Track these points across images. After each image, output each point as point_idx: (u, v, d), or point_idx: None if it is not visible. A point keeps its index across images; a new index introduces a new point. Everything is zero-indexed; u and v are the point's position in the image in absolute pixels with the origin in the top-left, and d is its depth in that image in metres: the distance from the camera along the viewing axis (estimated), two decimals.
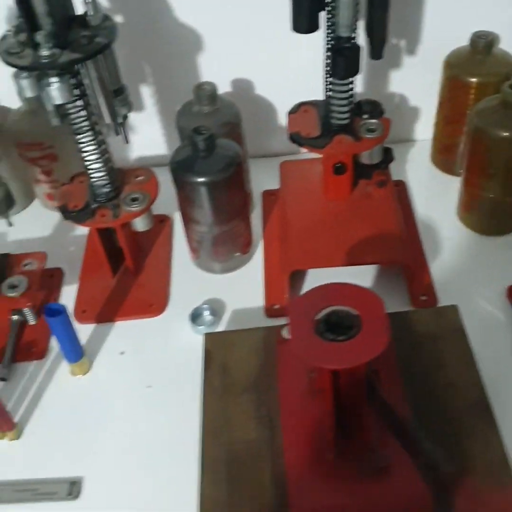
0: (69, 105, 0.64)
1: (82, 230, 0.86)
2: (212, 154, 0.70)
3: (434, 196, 0.86)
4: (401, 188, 0.87)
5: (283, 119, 0.92)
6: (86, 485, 0.60)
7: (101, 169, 0.71)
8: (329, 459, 0.52)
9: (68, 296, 0.78)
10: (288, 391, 0.57)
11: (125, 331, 0.74)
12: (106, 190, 0.73)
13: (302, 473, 0.52)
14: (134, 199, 0.73)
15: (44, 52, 0.57)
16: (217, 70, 0.84)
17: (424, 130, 0.91)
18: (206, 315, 0.73)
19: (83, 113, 0.65)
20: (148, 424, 0.64)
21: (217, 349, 0.65)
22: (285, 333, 0.63)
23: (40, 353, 0.72)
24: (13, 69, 0.59)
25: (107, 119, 0.66)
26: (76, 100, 0.63)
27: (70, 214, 0.73)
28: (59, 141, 0.83)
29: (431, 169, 0.91)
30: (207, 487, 0.55)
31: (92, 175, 0.71)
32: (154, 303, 0.76)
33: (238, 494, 0.53)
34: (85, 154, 0.69)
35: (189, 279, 0.79)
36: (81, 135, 0.67)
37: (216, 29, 0.81)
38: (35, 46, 0.58)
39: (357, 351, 0.48)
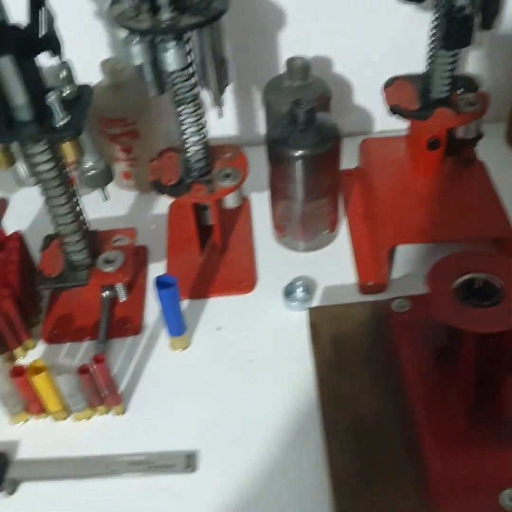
0: (177, 74, 0.63)
1: (161, 209, 0.86)
2: (310, 128, 0.69)
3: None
4: (481, 167, 0.86)
5: (355, 97, 0.91)
6: (202, 458, 0.59)
7: (199, 143, 0.70)
8: (465, 428, 0.51)
9: (155, 273, 0.77)
10: (412, 361, 0.56)
11: (218, 308, 0.73)
12: (200, 165, 0.72)
13: (439, 442, 0.51)
14: (227, 175, 0.72)
15: (165, 15, 0.56)
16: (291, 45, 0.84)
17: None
18: (299, 291, 0.72)
19: (190, 82, 0.64)
20: (256, 397, 0.63)
21: (324, 323, 0.64)
22: (397, 306, 0.62)
23: (135, 328, 0.71)
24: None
25: (214, 89, 0.65)
26: (187, 67, 0.62)
27: (165, 188, 0.72)
28: (141, 117, 0.82)
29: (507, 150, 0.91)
30: (336, 457, 0.54)
31: (188, 149, 0.70)
32: (244, 280, 0.75)
33: (371, 463, 0.53)
34: (185, 126, 0.68)
35: (274, 257, 0.78)
36: (184, 106, 0.66)
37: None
38: (154, 10, 0.57)
39: (505, 316, 0.47)
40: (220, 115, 0.71)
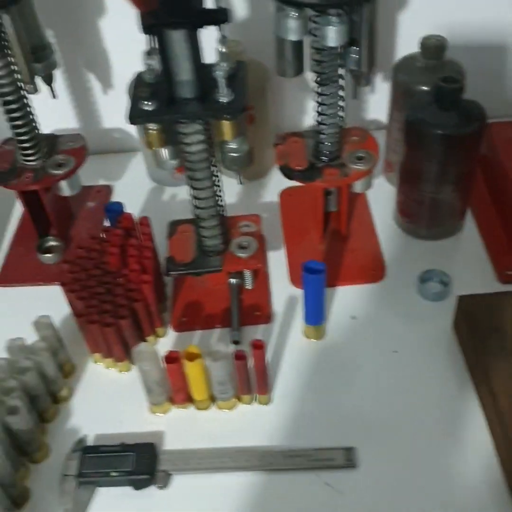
0: (327, 52, 0.61)
1: (271, 197, 0.84)
2: (455, 108, 0.67)
3: None
4: None
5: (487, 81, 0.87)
6: (361, 453, 0.57)
7: (334, 125, 0.67)
8: None
9: (274, 261, 0.75)
10: None
11: (349, 296, 0.71)
12: (333, 148, 0.69)
13: None
14: (360, 158, 0.70)
15: None
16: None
17: None
18: (435, 281, 0.70)
19: (337, 61, 0.62)
20: (407, 388, 0.61)
21: (481, 312, 0.62)
22: None
23: (266, 316, 0.69)
24: None
25: (365, 68, 0.63)
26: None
27: (295, 173, 0.69)
28: (258, 101, 0.79)
29: None
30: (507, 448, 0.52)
31: (323, 132, 0.68)
32: (374, 268, 0.73)
33: None
34: (324, 107, 0.66)
35: (399, 244, 0.76)
36: (326, 87, 0.64)
37: None
38: None
39: None
40: (355, 96, 0.68)
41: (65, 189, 0.76)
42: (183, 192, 0.85)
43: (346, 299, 0.70)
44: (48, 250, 0.78)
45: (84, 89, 0.89)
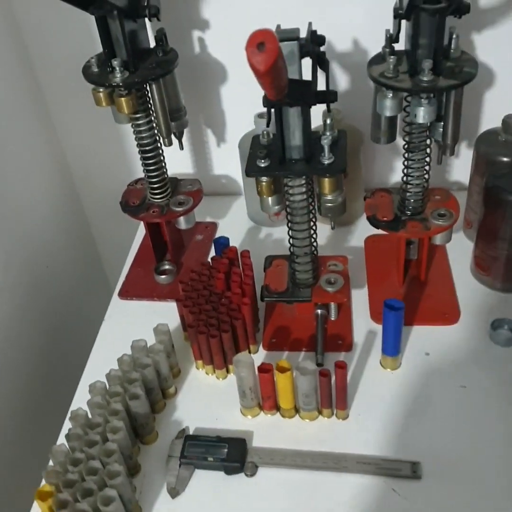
0: (416, 125, 0.72)
1: (357, 242, 0.95)
2: None
3: None
4: None
5: None
6: (425, 468, 0.65)
7: (419, 185, 0.78)
8: None
9: (357, 298, 0.86)
10: None
11: (424, 335, 0.80)
12: (417, 205, 0.80)
13: None
14: (441, 215, 0.80)
15: (425, 77, 0.66)
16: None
17: None
18: (506, 328, 0.78)
19: (425, 133, 0.73)
20: (473, 420, 0.69)
21: None
22: None
23: (348, 345, 0.79)
24: None
25: (450, 140, 0.74)
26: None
27: (382, 223, 0.80)
28: (351, 161, 0.91)
29: None
30: None
31: (408, 190, 0.79)
32: (448, 313, 0.82)
33: None
34: (411, 170, 0.77)
35: (473, 293, 0.85)
36: (414, 153, 0.75)
37: None
38: (411, 72, 0.67)
39: None
40: (440, 162, 0.79)
41: (182, 223, 0.90)
42: (277, 232, 0.99)
43: (421, 338, 0.79)
44: (164, 272, 0.93)
45: (202, 142, 1.05)
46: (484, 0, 0.83)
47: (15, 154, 0.96)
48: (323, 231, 0.98)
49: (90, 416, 0.67)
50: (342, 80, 0.93)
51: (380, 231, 0.81)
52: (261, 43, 0.42)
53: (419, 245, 0.84)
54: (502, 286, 0.84)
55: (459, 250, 0.89)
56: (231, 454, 0.67)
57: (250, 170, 0.69)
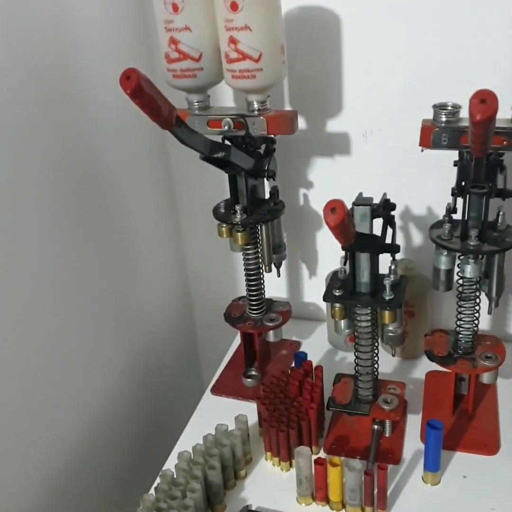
0: (466, 279, 0.89)
1: (420, 374, 1.09)
2: None
3: None
4: None
5: None
6: None
7: (470, 329, 0.93)
8: None
9: (412, 422, 0.98)
10: None
11: (464, 460, 0.90)
12: (468, 345, 0.94)
13: None
14: (488, 357, 0.93)
15: (472, 242, 0.84)
16: None
17: None
18: None
19: (474, 286, 0.90)
20: None
21: None
22: None
23: (396, 459, 0.91)
24: None
25: (494, 293, 0.90)
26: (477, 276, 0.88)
27: (436, 358, 0.95)
28: (418, 302, 1.09)
29: None
30: None
31: (461, 333, 0.94)
32: (489, 444, 0.92)
33: None
34: (461, 315, 0.93)
35: None
36: (465, 302, 0.91)
37: None
38: (462, 237, 0.86)
39: None
40: (490, 312, 0.94)
41: (271, 337, 1.10)
42: (351, 356, 1.14)
43: (462, 462, 0.90)
44: (250, 376, 1.11)
45: (297, 274, 1.27)
46: None
47: (150, 264, 1.23)
48: (391, 361, 1.14)
49: (175, 476, 0.84)
50: (416, 237, 1.13)
51: (441, 368, 0.96)
52: (333, 208, 0.64)
53: (469, 382, 0.97)
54: None
55: (509, 393, 1.01)
56: None
57: (327, 296, 0.88)
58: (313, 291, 1.27)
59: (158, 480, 0.85)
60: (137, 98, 0.63)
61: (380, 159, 1.06)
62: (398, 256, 1.04)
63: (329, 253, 1.18)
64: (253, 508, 0.86)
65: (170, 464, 0.88)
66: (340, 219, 0.64)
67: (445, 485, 0.87)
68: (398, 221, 1.11)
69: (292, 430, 0.89)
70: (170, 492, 0.81)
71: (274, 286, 1.19)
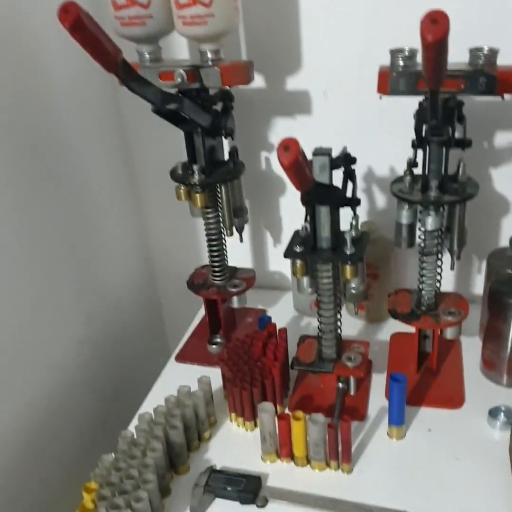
0: (428, 233, 0.88)
1: (385, 336, 1.08)
2: None
3: None
4: None
5: None
6: None
7: (433, 285, 0.93)
8: None
9: (377, 381, 0.98)
10: None
11: (429, 415, 0.90)
12: (430, 302, 0.94)
13: None
14: (450, 313, 0.93)
15: (432, 193, 0.83)
16: None
17: None
18: (502, 415, 0.87)
19: (436, 241, 0.89)
20: (463, 490, 0.78)
21: None
22: None
23: (361, 416, 0.91)
24: None
25: (456, 247, 0.89)
26: (439, 229, 0.87)
27: (400, 315, 0.95)
28: (382, 264, 1.08)
29: None
30: None
31: (423, 289, 0.93)
32: (453, 398, 0.92)
33: None
34: (425, 271, 0.92)
35: (479, 385, 0.95)
36: (427, 257, 0.91)
37: None
38: (423, 189, 0.85)
39: None
40: (452, 267, 0.94)
41: (235, 302, 1.08)
42: (316, 322, 1.13)
43: (427, 417, 0.90)
44: (215, 343, 1.09)
45: (261, 242, 1.25)
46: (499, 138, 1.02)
47: (111, 233, 1.20)
48: (356, 324, 1.13)
49: (135, 437, 0.82)
50: (379, 199, 1.12)
51: (405, 329, 0.95)
52: (287, 146, 0.62)
53: (432, 339, 0.96)
54: (507, 382, 0.94)
55: (473, 350, 1.01)
56: (247, 487, 0.79)
57: (287, 253, 0.87)
58: (278, 260, 1.25)
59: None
60: (76, 32, 0.61)
61: (341, 118, 1.05)
62: (362, 218, 1.04)
63: (294, 221, 1.16)
64: (218, 468, 0.84)
65: (132, 427, 0.86)
66: (294, 157, 0.63)
67: (410, 439, 0.86)
68: (361, 183, 1.11)
69: (256, 389, 0.88)
70: (130, 452, 0.79)
71: (239, 255, 1.17)
